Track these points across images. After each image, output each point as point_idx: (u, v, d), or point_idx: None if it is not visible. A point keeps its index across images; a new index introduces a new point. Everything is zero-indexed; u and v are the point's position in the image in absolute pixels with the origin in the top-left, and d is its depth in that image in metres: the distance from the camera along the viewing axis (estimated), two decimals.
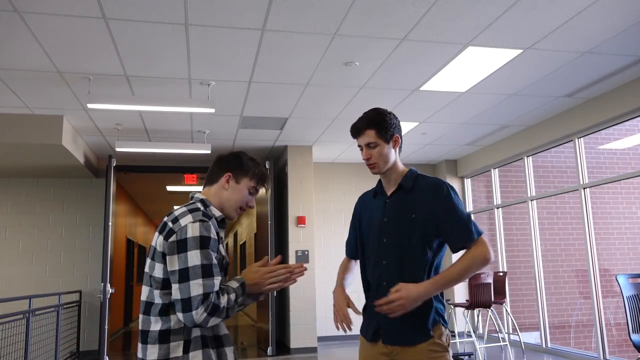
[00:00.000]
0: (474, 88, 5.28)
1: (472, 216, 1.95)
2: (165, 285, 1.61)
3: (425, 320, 1.84)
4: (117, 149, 6.34)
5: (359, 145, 2.00)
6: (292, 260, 7.32)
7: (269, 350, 7.09)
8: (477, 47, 4.31)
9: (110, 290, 6.86)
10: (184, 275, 1.56)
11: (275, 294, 7.24)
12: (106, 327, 6.74)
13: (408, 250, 1.88)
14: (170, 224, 1.64)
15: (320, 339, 7.74)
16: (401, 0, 3.53)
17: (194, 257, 1.57)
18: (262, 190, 8.08)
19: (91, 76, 4.72)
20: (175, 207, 1.78)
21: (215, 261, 1.60)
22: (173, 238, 1.60)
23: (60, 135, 5.79)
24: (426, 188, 1.93)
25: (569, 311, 8.11)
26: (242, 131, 6.68)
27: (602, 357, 5.69)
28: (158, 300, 1.61)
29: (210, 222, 1.64)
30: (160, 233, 1.66)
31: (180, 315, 1.55)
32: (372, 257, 1.98)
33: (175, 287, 1.57)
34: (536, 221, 6.99)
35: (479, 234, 1.85)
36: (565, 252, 8.20)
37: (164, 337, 1.59)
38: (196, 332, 1.61)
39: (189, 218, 1.62)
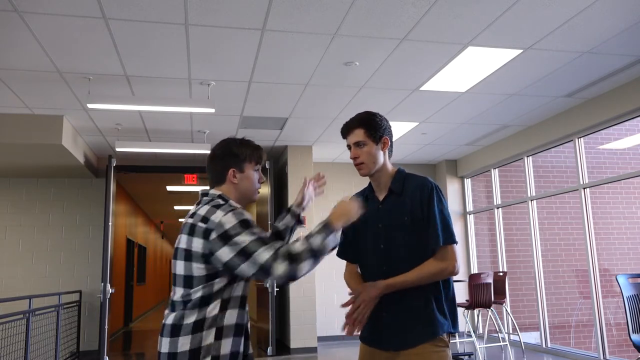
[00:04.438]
0: (474, 88, 5.28)
1: (452, 220, 1.89)
2: (209, 278, 1.63)
3: (438, 327, 1.82)
4: (117, 149, 6.34)
5: (347, 145, 2.00)
6: None
7: (269, 350, 7.09)
8: (477, 47, 4.31)
9: (110, 290, 6.86)
10: (244, 253, 1.60)
11: (275, 294, 7.23)
12: (106, 327, 6.74)
13: (407, 255, 1.86)
14: (202, 225, 1.65)
15: (320, 339, 7.74)
16: (401, 0, 3.53)
17: (244, 238, 1.61)
18: (263, 191, 8.07)
19: (91, 76, 4.72)
20: (199, 207, 1.76)
21: (263, 234, 1.66)
22: (214, 235, 1.62)
23: (60, 135, 5.79)
24: (414, 190, 1.91)
25: (569, 311, 8.11)
26: (242, 131, 6.68)
27: (602, 357, 5.69)
28: (197, 295, 1.63)
29: (240, 208, 1.70)
30: (191, 235, 1.66)
31: (269, 282, 1.63)
32: (369, 262, 1.96)
33: (243, 266, 1.60)
34: (536, 221, 6.99)
35: (448, 241, 1.82)
36: (565, 252, 8.20)
37: (199, 326, 1.61)
38: (230, 320, 1.65)
39: (219, 213, 1.66)
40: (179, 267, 1.68)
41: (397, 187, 1.94)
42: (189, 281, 1.66)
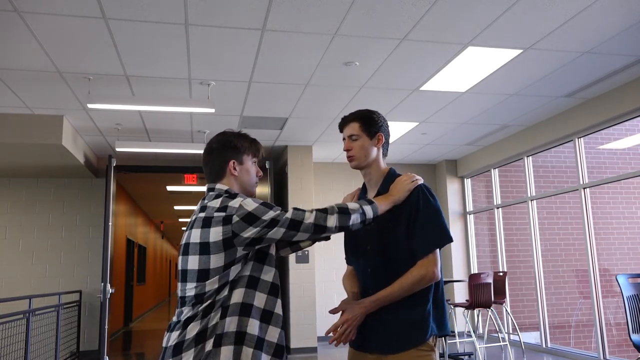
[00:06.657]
0: (474, 88, 5.28)
1: (444, 218, 1.87)
2: (226, 267, 1.63)
3: (423, 332, 1.80)
4: (117, 149, 6.34)
5: (343, 139, 2.01)
6: (291, 261, 7.32)
7: None
8: (477, 47, 4.31)
9: (110, 290, 6.86)
10: (274, 222, 1.64)
11: None
12: (106, 327, 6.73)
13: (392, 259, 1.84)
14: (220, 213, 1.64)
15: (320, 339, 7.74)
16: (401, 0, 3.53)
17: (269, 214, 1.65)
18: (263, 190, 8.08)
19: (91, 76, 4.72)
20: (208, 201, 1.74)
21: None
22: (236, 218, 1.63)
23: (60, 135, 5.79)
24: None
25: (569, 311, 8.11)
26: (243, 131, 6.67)
27: (602, 357, 5.69)
28: (210, 288, 1.61)
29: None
30: (207, 227, 1.64)
31: (306, 235, 1.69)
32: (357, 264, 1.96)
33: (274, 231, 1.64)
34: (536, 221, 6.99)
35: (432, 248, 1.80)
36: (565, 252, 8.20)
37: (224, 313, 1.61)
38: (231, 328, 1.60)
39: (236, 200, 1.67)
40: (192, 261, 1.64)
41: (386, 189, 1.91)
42: (204, 274, 1.62)
